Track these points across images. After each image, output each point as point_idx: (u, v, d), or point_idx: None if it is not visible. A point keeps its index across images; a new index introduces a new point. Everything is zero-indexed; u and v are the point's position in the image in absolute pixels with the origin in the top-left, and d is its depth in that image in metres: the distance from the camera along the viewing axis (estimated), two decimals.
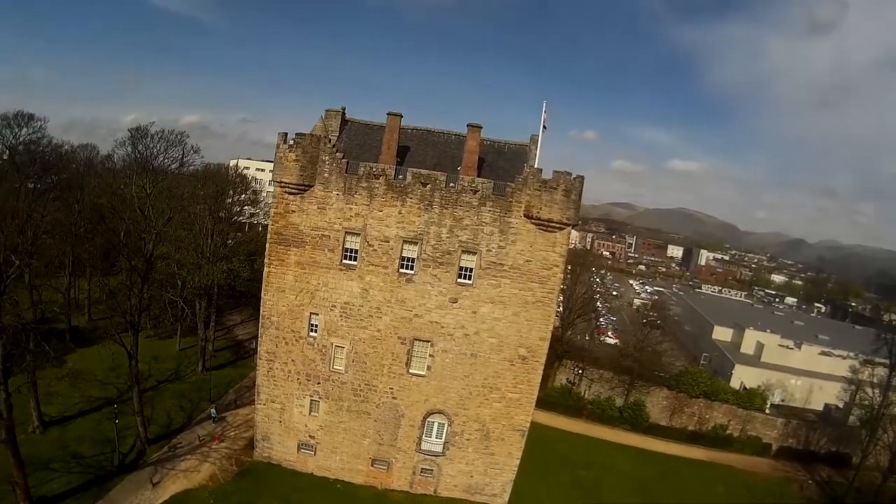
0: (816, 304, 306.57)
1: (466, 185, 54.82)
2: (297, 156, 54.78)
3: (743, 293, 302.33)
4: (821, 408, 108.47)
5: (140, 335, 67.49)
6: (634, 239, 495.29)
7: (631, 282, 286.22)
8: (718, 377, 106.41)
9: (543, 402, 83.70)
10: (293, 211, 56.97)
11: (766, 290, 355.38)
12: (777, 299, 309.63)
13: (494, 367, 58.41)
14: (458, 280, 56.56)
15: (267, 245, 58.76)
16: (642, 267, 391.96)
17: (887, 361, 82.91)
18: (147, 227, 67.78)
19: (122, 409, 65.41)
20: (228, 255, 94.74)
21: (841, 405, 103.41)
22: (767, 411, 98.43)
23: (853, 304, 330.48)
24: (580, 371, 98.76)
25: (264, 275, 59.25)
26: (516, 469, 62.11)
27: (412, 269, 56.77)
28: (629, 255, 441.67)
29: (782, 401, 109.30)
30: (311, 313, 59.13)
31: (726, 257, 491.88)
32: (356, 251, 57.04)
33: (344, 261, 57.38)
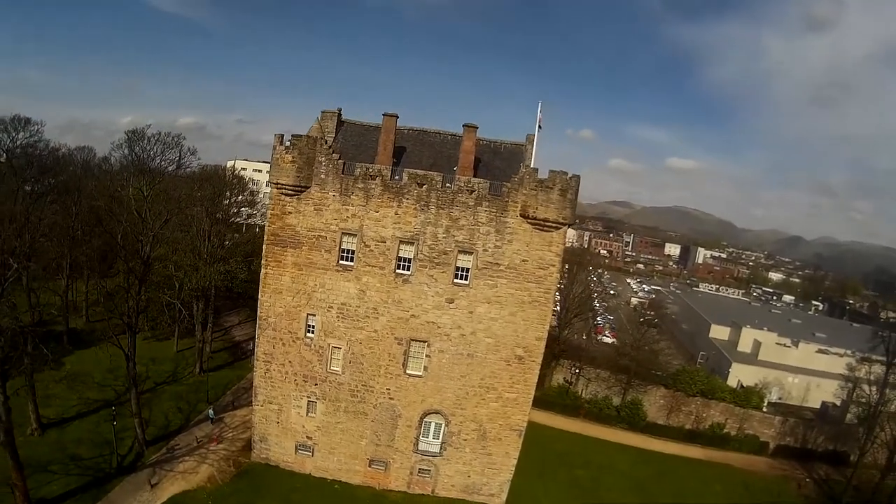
0: (814, 302, 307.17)
1: (462, 185, 54.92)
2: (293, 157, 54.84)
3: (740, 291, 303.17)
4: (818, 406, 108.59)
5: (138, 337, 67.58)
6: (632, 237, 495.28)
7: (628, 280, 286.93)
8: (715, 376, 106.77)
9: (541, 402, 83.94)
10: (290, 212, 57.03)
11: (764, 288, 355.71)
12: (774, 297, 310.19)
13: (491, 367, 58.54)
14: (455, 280, 56.66)
15: (264, 246, 58.76)
16: (640, 266, 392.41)
17: (884, 359, 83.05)
18: (144, 230, 67.80)
19: (120, 410, 65.62)
20: (226, 256, 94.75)
21: (838, 403, 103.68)
22: (765, 409, 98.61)
23: (851, 301, 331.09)
24: (577, 370, 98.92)
25: (261, 276, 59.29)
26: (514, 469, 62.25)
27: (409, 269, 56.87)
28: (626, 253, 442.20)
29: (779, 399, 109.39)
30: (307, 314, 59.20)
31: (724, 255, 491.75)
32: (353, 252, 57.12)
33: (340, 262, 57.45)
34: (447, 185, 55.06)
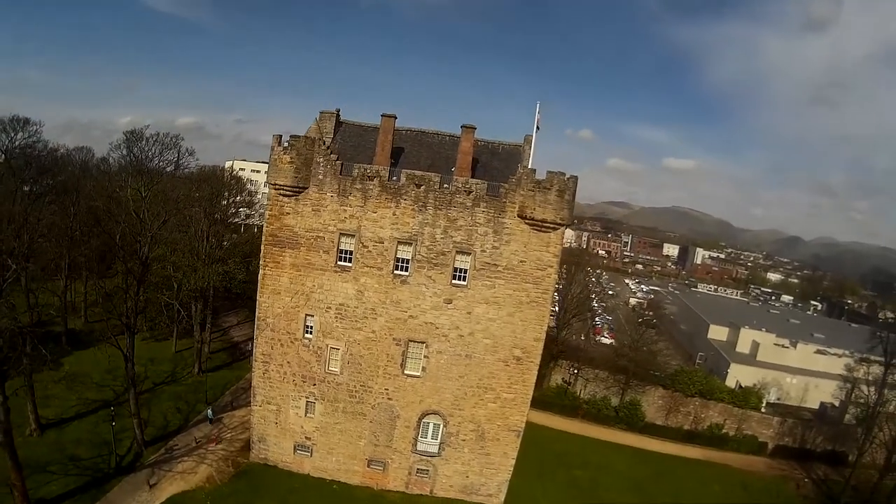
0: (812, 302, 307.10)
1: (460, 185, 55.01)
2: (291, 158, 54.92)
3: (739, 292, 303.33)
4: (817, 406, 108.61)
5: (136, 337, 67.71)
6: (630, 238, 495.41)
7: (627, 281, 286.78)
8: (714, 376, 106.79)
9: (539, 402, 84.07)
10: (288, 213, 57.08)
11: (762, 289, 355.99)
12: (773, 297, 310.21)
13: (489, 367, 58.63)
14: (453, 281, 56.74)
15: (262, 247, 58.81)
16: (639, 266, 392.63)
17: (882, 359, 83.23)
18: (142, 230, 67.92)
19: (118, 411, 65.80)
20: (224, 257, 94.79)
21: (837, 403, 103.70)
22: (763, 410, 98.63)
23: (849, 301, 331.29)
24: (576, 371, 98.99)
25: (259, 277, 59.35)
26: (512, 469, 62.33)
27: (407, 270, 56.96)
28: (625, 253, 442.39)
29: (778, 399, 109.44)
30: (306, 315, 59.25)
31: (722, 255, 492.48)
32: (351, 253, 57.18)
33: (339, 262, 57.52)
34: (445, 185, 55.14)
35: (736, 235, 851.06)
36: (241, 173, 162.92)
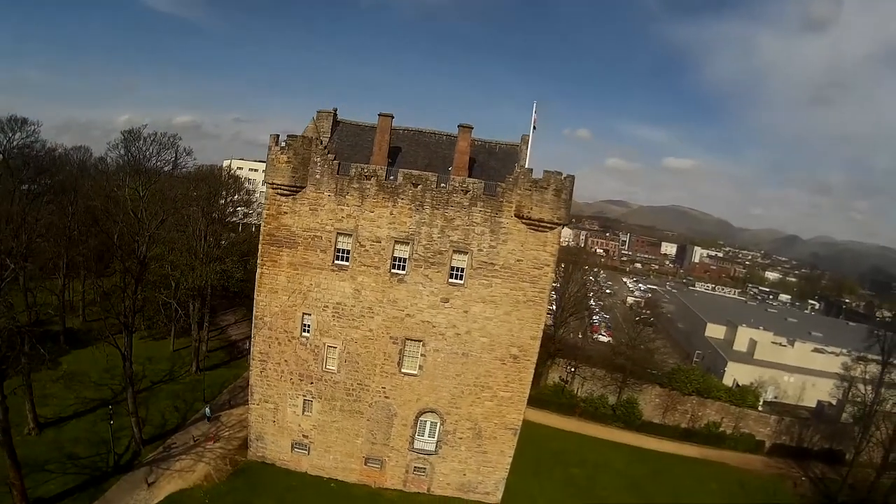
0: (810, 301, 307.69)
1: (457, 185, 55.16)
2: (288, 157, 55.05)
3: (736, 290, 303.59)
4: (814, 405, 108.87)
5: (134, 336, 67.69)
6: (628, 236, 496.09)
7: (624, 279, 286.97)
8: (711, 374, 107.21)
9: (536, 401, 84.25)
10: (285, 212, 57.23)
11: (760, 288, 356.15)
12: (771, 296, 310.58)
13: (486, 366, 58.81)
14: (450, 280, 56.91)
15: (259, 246, 58.96)
16: (637, 265, 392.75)
17: (880, 358, 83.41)
18: (140, 229, 68.07)
19: (116, 410, 65.93)
20: (222, 255, 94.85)
21: (834, 402, 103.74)
22: (760, 408, 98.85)
23: (847, 300, 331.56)
24: (573, 369, 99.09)
25: (257, 276, 59.51)
26: (509, 467, 62.59)
27: (404, 269, 57.10)
28: (623, 252, 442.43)
29: (775, 398, 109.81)
30: (303, 314, 59.41)
31: (720, 254, 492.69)
32: (348, 252, 57.32)
33: (336, 261, 57.67)
34: (442, 185, 55.31)
35: (734, 234, 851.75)
36: (238, 172, 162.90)
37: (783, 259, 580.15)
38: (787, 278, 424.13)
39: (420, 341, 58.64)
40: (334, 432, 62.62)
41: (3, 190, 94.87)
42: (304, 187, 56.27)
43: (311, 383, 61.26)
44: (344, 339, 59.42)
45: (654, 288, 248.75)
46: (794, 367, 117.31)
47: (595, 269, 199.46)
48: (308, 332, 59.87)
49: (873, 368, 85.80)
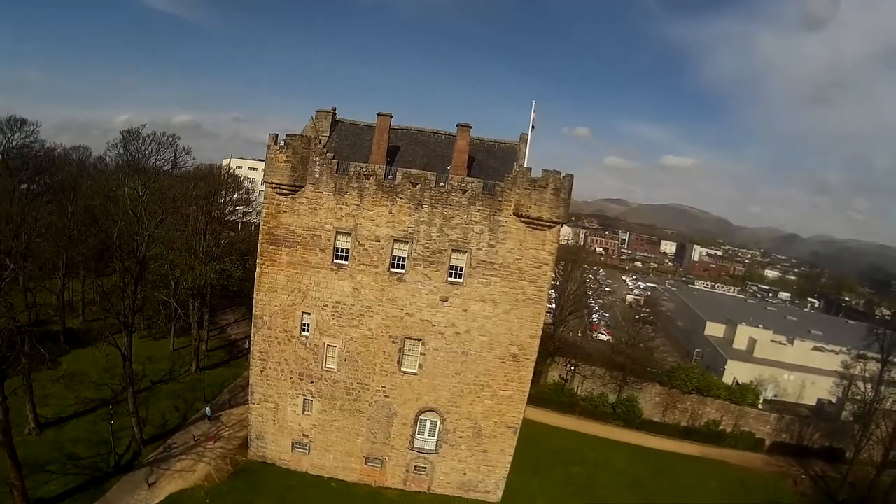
0: (810, 299, 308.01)
1: (456, 184, 55.17)
2: (287, 157, 55.05)
3: (736, 289, 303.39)
4: (814, 403, 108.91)
5: (134, 336, 67.62)
6: (628, 235, 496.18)
7: (624, 278, 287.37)
8: (711, 373, 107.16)
9: (536, 399, 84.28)
10: (284, 211, 57.26)
11: (760, 286, 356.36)
12: (770, 294, 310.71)
13: (486, 364, 58.82)
14: (449, 279, 56.90)
15: (259, 245, 59.02)
16: (637, 263, 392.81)
17: (879, 356, 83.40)
18: (140, 229, 68.07)
19: (117, 409, 65.96)
20: (221, 255, 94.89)
21: (834, 400, 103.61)
22: (760, 407, 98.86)
23: (847, 298, 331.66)
24: (573, 368, 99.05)
25: (256, 275, 59.54)
26: (509, 466, 62.60)
27: (403, 268, 57.11)
28: (622, 251, 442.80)
29: (775, 396, 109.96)
30: (303, 313, 59.43)
31: (720, 253, 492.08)
32: (347, 251, 57.34)
33: (335, 260, 57.69)
34: (441, 184, 55.30)
35: (734, 233, 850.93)
36: (238, 171, 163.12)
37: (783, 257, 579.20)
38: (787, 276, 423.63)
39: (419, 340, 58.66)
40: (334, 431, 62.65)
41: (2, 190, 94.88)
42: (303, 186, 56.29)
43: (311, 382, 61.29)
44: (343, 338, 59.43)
45: (654, 286, 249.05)
46: (793, 366, 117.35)
47: (594, 268, 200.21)
48: (308, 331, 59.88)
49: (873, 366, 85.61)
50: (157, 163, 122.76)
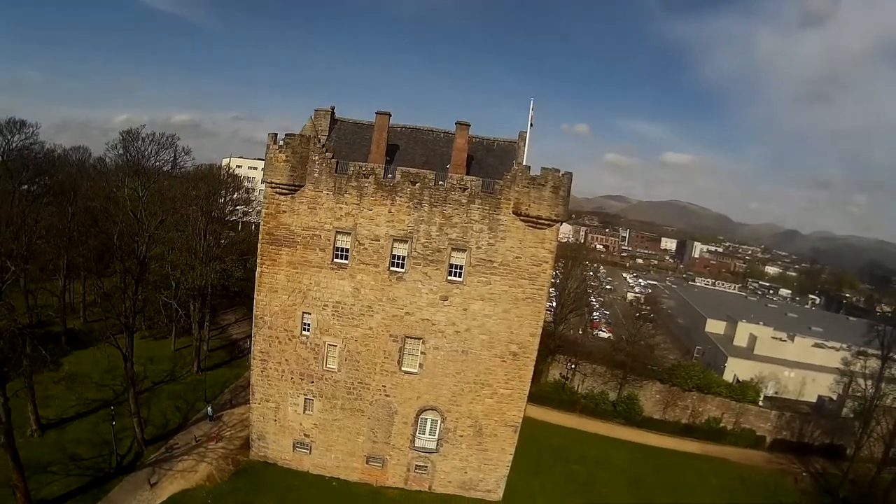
0: (810, 296, 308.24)
1: (455, 183, 55.22)
2: (286, 156, 55.10)
3: (737, 285, 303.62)
4: (814, 400, 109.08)
5: (135, 336, 67.74)
6: (628, 232, 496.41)
7: (624, 275, 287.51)
8: (711, 370, 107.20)
9: (537, 397, 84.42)
10: (284, 211, 57.32)
11: (760, 282, 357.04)
12: (771, 291, 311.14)
13: (486, 363, 58.91)
14: (449, 277, 56.96)
15: (259, 245, 59.10)
16: (640, 261, 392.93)
17: (879, 353, 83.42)
18: (140, 230, 68.16)
19: (118, 410, 65.99)
20: (221, 255, 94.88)
21: (834, 397, 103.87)
22: (761, 404, 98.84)
23: (847, 295, 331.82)
24: (573, 366, 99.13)
25: (256, 275, 59.63)
26: (510, 464, 62.68)
27: (403, 267, 57.18)
28: (623, 248, 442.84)
29: (776, 393, 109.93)
30: (303, 312, 59.51)
31: (720, 249, 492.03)
32: (347, 250, 57.39)
33: (335, 260, 57.75)
34: (440, 182, 55.34)
35: (734, 229, 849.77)
36: (237, 171, 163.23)
37: (783, 254, 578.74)
38: (787, 273, 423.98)
39: (420, 339, 58.74)
40: (335, 431, 62.74)
41: (2, 192, 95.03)
42: (302, 186, 56.35)
43: (312, 382, 61.38)
44: (344, 337, 59.53)
45: (654, 283, 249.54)
46: (794, 363, 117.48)
47: (595, 265, 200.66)
48: (308, 330, 59.97)
49: (873, 363, 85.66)
50: (157, 163, 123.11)
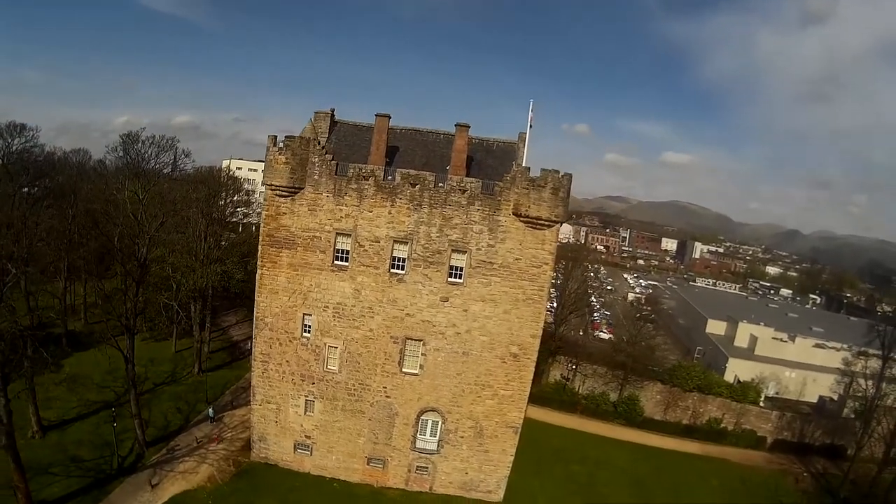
0: (811, 296, 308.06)
1: (455, 184, 55.31)
2: (286, 158, 55.18)
3: (737, 285, 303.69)
4: (815, 400, 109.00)
5: (136, 338, 67.83)
6: (628, 232, 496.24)
7: (625, 276, 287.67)
8: (712, 371, 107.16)
9: (538, 398, 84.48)
10: (284, 213, 57.40)
11: (761, 282, 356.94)
12: (772, 291, 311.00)
13: (486, 364, 58.97)
14: (449, 279, 57.05)
15: (259, 247, 59.17)
16: (639, 261, 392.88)
17: (880, 353, 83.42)
18: (140, 232, 68.23)
19: (119, 412, 66.10)
20: (222, 256, 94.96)
21: (835, 397, 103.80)
22: (762, 404, 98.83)
23: (848, 294, 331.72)
24: (574, 366, 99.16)
25: (257, 277, 59.71)
26: (511, 465, 62.73)
27: (403, 268, 57.26)
28: (623, 248, 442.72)
29: (776, 394, 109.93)
30: (304, 314, 59.59)
31: (720, 249, 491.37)
32: (347, 252, 57.49)
33: (335, 262, 57.85)
34: (440, 184, 55.45)
35: (734, 229, 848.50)
36: (238, 173, 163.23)
37: (784, 254, 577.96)
38: (788, 273, 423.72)
39: (420, 340, 58.82)
40: (336, 432, 62.82)
41: (3, 195, 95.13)
42: (302, 188, 56.43)
43: (313, 383, 61.47)
44: (345, 339, 59.61)
45: (655, 284, 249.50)
46: (795, 363, 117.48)
47: (595, 266, 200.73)
48: (309, 332, 60.06)
49: (874, 363, 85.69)
50: (157, 166, 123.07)
